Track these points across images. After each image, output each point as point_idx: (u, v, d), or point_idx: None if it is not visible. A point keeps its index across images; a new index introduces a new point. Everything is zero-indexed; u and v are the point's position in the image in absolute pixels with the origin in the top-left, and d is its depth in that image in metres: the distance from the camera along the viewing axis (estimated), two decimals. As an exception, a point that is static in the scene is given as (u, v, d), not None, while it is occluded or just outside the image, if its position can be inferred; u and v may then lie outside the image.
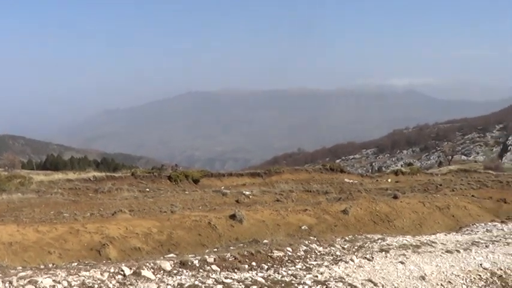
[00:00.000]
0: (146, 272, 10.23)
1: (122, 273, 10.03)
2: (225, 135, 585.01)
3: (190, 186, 33.96)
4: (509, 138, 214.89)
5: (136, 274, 10.10)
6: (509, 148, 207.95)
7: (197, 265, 11.16)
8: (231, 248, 13.53)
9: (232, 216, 17.63)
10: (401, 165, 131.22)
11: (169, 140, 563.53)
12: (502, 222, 21.69)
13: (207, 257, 11.66)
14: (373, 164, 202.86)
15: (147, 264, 10.74)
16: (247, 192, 27.17)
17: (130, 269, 10.28)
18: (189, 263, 11.16)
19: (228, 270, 11.17)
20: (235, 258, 11.91)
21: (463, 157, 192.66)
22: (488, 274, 13.36)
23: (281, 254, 12.80)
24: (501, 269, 13.80)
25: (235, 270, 11.23)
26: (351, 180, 38.65)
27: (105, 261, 12.83)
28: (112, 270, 10.09)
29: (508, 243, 16.52)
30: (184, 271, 10.76)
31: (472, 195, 28.93)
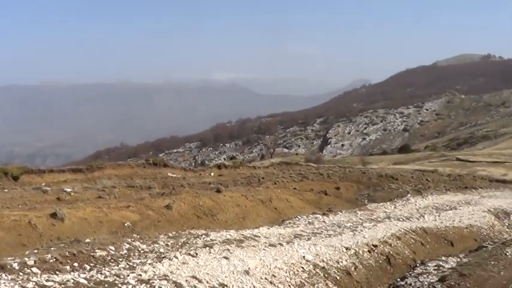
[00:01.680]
0: (-38, 279, 9.70)
1: None
2: (46, 130, 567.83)
3: (10, 183, 32.52)
4: (329, 131, 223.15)
5: (-48, 281, 9.57)
6: (329, 141, 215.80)
7: (17, 268, 10.65)
8: (52, 248, 13.04)
9: (53, 215, 17.02)
10: (224, 159, 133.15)
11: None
12: (324, 214, 22.23)
13: (26, 259, 11.15)
14: (197, 157, 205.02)
15: (-36, 269, 10.20)
16: (68, 189, 26.35)
17: None
18: (8, 267, 10.63)
19: (49, 273, 10.71)
20: (56, 260, 11.44)
21: (285, 150, 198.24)
22: (311, 266, 13.69)
23: (104, 253, 12.47)
24: (323, 261, 14.18)
25: (57, 272, 10.79)
26: (174, 175, 38.46)
27: None
28: None
29: (330, 235, 16.99)
30: (3, 275, 10.21)
31: (294, 188, 29.46)
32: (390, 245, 16.97)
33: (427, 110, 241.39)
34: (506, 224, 25.00)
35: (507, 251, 16.54)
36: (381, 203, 26.81)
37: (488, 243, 19.43)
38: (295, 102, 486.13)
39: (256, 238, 15.60)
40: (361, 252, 15.59)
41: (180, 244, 14.32)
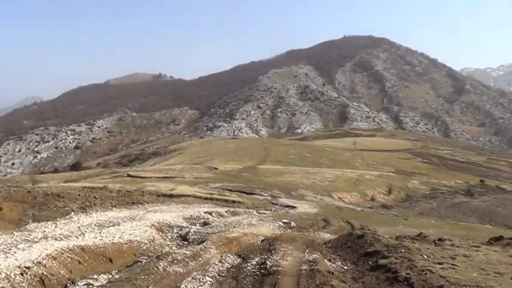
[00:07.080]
0: None
1: None
2: None
3: None
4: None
5: None
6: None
7: None
8: None
9: None
10: None
11: None
12: None
13: None
14: None
15: None
16: None
17: None
18: None
19: None
20: None
21: None
22: None
23: None
24: None
25: None
26: None
27: None
28: None
29: None
30: None
31: None
32: (45, 265, 16.67)
33: (99, 127, 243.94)
34: (169, 237, 25.78)
35: (160, 265, 16.95)
36: (43, 223, 26.31)
37: (144, 258, 19.85)
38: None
39: None
40: (12, 276, 15.18)
41: None
